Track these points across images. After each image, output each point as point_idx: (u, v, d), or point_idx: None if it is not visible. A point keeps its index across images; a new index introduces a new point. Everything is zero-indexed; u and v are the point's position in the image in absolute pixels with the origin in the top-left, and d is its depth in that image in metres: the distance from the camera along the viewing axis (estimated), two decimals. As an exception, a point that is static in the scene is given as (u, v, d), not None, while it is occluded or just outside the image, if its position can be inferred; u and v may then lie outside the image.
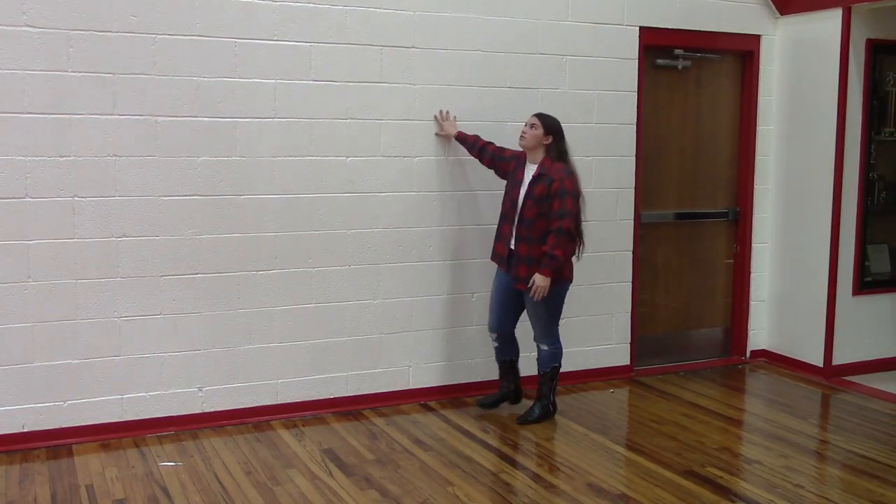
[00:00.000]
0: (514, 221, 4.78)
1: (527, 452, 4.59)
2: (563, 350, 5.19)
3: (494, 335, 5.01)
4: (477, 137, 5.10)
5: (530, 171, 4.78)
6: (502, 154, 5.00)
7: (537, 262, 4.69)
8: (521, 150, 4.89)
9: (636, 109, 5.79)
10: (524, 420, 4.96)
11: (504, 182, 4.97)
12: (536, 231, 4.69)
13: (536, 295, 4.67)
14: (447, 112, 5.19)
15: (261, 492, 4.00)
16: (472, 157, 5.13)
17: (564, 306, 5.63)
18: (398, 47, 5.07)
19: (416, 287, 5.26)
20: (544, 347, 4.96)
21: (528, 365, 5.21)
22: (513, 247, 4.78)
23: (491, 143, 5.06)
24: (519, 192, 4.78)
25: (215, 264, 4.79)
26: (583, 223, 4.78)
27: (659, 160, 6.05)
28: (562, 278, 4.79)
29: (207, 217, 4.74)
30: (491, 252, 5.02)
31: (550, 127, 4.76)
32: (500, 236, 4.90)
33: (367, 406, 5.18)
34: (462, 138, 5.13)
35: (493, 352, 5.15)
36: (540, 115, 4.82)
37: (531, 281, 4.66)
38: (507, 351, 5.04)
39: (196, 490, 4.03)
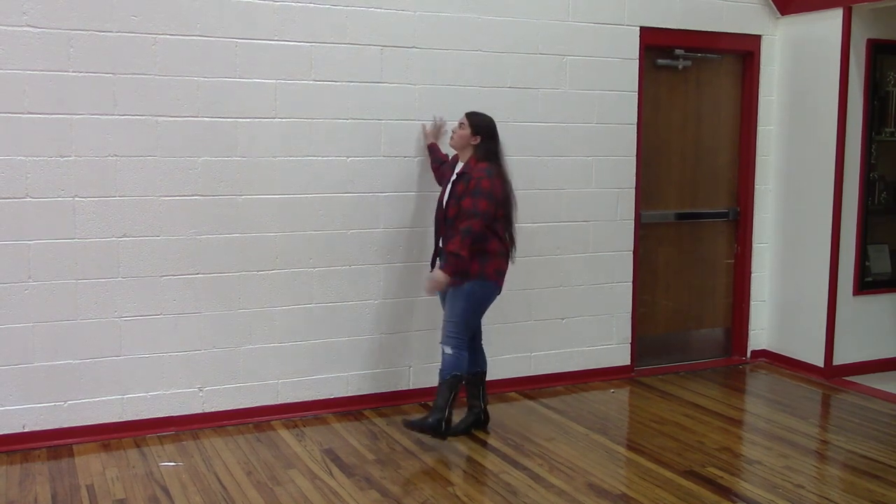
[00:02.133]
0: (440, 227, 4.67)
1: (527, 452, 4.58)
2: (564, 350, 5.20)
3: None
4: (447, 157, 5.00)
5: (456, 170, 4.66)
6: (444, 166, 4.92)
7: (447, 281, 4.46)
8: (454, 154, 4.82)
9: (636, 109, 5.79)
10: (409, 425, 4.58)
11: None
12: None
13: (428, 288, 4.47)
14: (444, 122, 5.14)
15: (261, 492, 4.00)
16: None
17: (565, 306, 5.64)
18: (398, 47, 5.07)
19: (416, 287, 5.26)
20: (448, 351, 4.53)
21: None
22: (441, 245, 4.64)
23: (447, 163, 4.96)
24: (444, 194, 4.67)
25: (215, 264, 4.79)
26: (515, 224, 4.61)
27: (659, 160, 6.05)
28: (483, 275, 4.50)
29: (207, 217, 4.74)
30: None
31: (479, 127, 4.57)
32: (435, 240, 4.80)
33: (368, 406, 5.18)
34: (432, 149, 5.09)
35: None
36: (469, 115, 4.66)
37: (430, 274, 4.47)
38: (475, 360, 4.79)
39: (196, 490, 4.02)
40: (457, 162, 4.74)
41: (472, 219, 4.39)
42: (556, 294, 5.65)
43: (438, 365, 5.32)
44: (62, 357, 4.53)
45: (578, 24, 5.55)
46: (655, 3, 5.76)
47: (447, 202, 4.59)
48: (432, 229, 5.21)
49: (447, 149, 4.99)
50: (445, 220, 4.58)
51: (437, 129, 5.17)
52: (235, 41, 4.71)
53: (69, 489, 4.02)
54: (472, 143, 4.59)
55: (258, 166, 4.82)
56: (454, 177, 4.62)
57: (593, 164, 5.69)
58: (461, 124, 4.63)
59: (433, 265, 4.80)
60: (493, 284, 4.58)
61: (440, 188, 4.82)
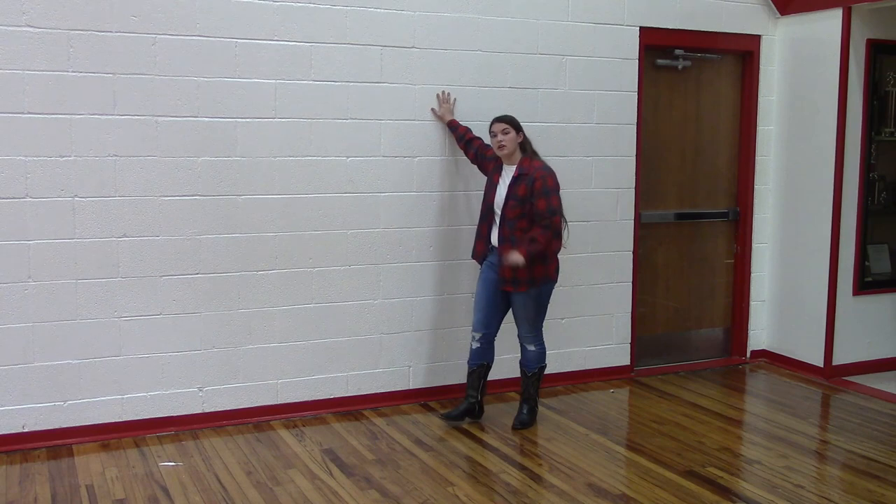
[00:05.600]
0: (491, 223, 4.80)
1: (527, 452, 4.59)
2: (564, 350, 5.17)
3: (479, 335, 4.88)
4: (468, 130, 5.10)
5: (509, 172, 4.74)
6: (485, 153, 4.98)
7: (524, 265, 4.62)
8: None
9: (636, 109, 5.79)
10: (520, 426, 4.91)
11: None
12: (520, 231, 4.66)
13: (505, 266, 4.61)
14: (448, 94, 5.18)
15: (261, 492, 4.00)
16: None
17: (565, 306, 5.66)
18: (398, 47, 5.07)
19: (416, 287, 5.26)
20: (531, 348, 4.90)
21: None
22: (496, 246, 4.77)
23: (478, 139, 5.05)
24: (495, 195, 4.77)
25: (215, 264, 4.79)
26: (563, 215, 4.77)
27: (659, 160, 6.05)
28: (548, 278, 4.77)
29: (207, 217, 4.74)
30: (472, 251, 5.01)
31: (517, 125, 4.75)
32: (480, 235, 4.90)
33: (368, 406, 5.18)
34: (454, 126, 5.13)
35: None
36: (504, 119, 4.76)
37: (507, 255, 4.59)
38: (485, 353, 4.90)
39: (196, 490, 4.02)
40: (501, 163, 4.81)
41: (552, 216, 4.62)
42: (555, 294, 5.60)
43: (438, 364, 5.35)
44: (62, 357, 4.53)
45: (578, 24, 5.55)
46: (655, 3, 5.76)
47: (505, 203, 4.69)
48: (432, 229, 5.23)
49: (483, 147, 5.02)
50: (505, 221, 4.69)
51: (447, 104, 5.17)
52: (235, 41, 4.71)
53: (69, 489, 4.02)
54: (518, 141, 4.74)
55: (258, 166, 4.82)
56: (511, 178, 4.70)
57: (593, 164, 5.69)
58: (504, 130, 4.71)
59: (480, 258, 4.90)
60: (555, 281, 4.86)
61: (486, 187, 4.87)
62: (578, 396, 5.53)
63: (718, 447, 4.66)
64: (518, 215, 4.66)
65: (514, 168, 4.73)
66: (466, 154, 5.11)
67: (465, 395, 4.95)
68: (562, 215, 4.70)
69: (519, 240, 4.65)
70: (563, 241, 4.76)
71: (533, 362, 4.93)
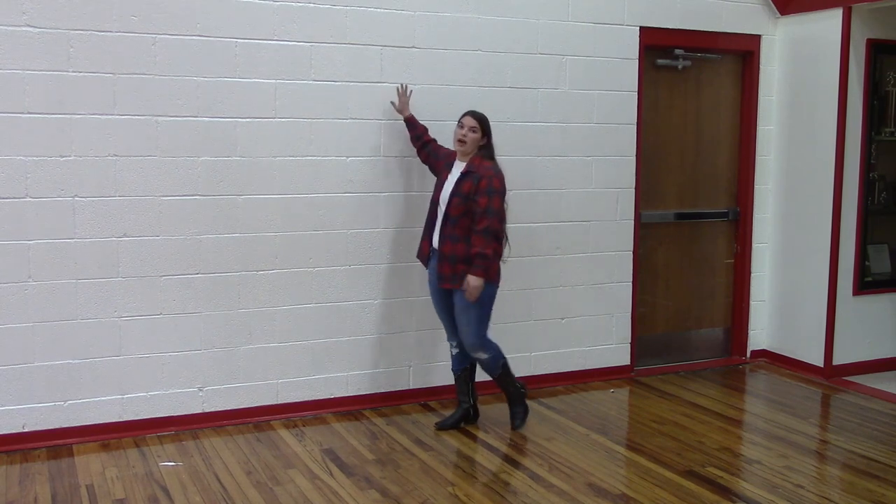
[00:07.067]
0: (435, 221, 4.70)
1: (527, 452, 4.59)
2: (564, 350, 5.13)
3: (454, 342, 4.83)
4: (426, 130, 4.98)
5: (458, 169, 4.66)
6: (437, 153, 4.91)
7: (462, 260, 4.54)
8: (451, 149, 4.81)
9: (636, 109, 5.79)
10: (519, 425, 4.88)
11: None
12: (461, 229, 4.55)
13: (472, 296, 4.51)
14: (406, 86, 5.04)
15: (261, 492, 4.00)
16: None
17: (565, 306, 5.65)
18: (398, 47, 5.08)
19: (416, 287, 5.26)
20: (484, 356, 4.70)
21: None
22: (436, 245, 4.67)
23: (433, 141, 4.96)
24: (441, 191, 4.67)
25: (215, 264, 4.79)
26: (506, 223, 4.64)
27: (659, 160, 6.05)
28: (489, 281, 4.56)
29: (207, 217, 4.74)
30: (417, 250, 4.91)
31: (487, 128, 4.66)
32: (425, 234, 4.81)
33: (368, 406, 5.19)
34: (412, 124, 5.00)
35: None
36: (476, 117, 4.66)
37: (465, 283, 4.51)
38: (466, 357, 4.83)
39: (196, 490, 4.03)
40: (454, 159, 4.75)
41: (491, 217, 4.49)
42: (556, 294, 5.65)
43: (438, 364, 5.35)
44: (62, 357, 4.53)
45: (578, 24, 5.55)
46: (655, 3, 5.76)
47: (450, 200, 4.60)
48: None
49: (437, 148, 4.99)
50: (448, 218, 4.59)
51: (406, 99, 5.03)
52: (235, 41, 4.71)
53: (69, 489, 4.02)
54: (480, 143, 4.66)
55: (258, 166, 4.82)
56: (458, 175, 4.63)
57: (593, 164, 5.69)
58: (472, 128, 4.63)
59: (425, 261, 4.82)
60: (495, 285, 4.67)
61: (435, 186, 4.80)
62: (578, 396, 5.53)
63: (718, 447, 4.66)
64: (462, 213, 4.55)
65: (463, 165, 4.65)
66: (419, 154, 5.00)
67: (457, 402, 4.94)
68: (502, 219, 4.53)
69: (458, 239, 4.53)
70: (503, 250, 4.63)
71: (494, 367, 4.77)
